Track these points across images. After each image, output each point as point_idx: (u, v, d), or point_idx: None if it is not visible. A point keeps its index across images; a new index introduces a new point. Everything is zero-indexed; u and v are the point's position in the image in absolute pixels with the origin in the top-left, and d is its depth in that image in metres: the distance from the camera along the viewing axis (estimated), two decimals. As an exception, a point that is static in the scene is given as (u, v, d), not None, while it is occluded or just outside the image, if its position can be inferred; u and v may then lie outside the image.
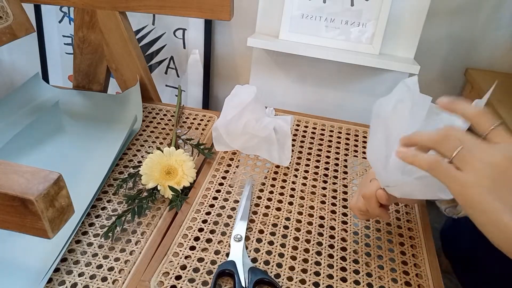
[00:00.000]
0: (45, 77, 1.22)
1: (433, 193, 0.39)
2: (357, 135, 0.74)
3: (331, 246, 0.51)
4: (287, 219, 0.55)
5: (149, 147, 0.68)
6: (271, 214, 0.56)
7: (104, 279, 0.46)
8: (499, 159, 0.31)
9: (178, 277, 0.46)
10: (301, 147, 0.70)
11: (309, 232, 0.53)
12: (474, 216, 0.33)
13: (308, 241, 0.52)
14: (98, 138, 0.69)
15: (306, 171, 0.64)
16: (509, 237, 0.31)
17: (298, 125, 0.76)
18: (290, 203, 0.58)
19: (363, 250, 0.51)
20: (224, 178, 0.62)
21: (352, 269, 0.49)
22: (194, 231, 0.52)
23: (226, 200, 0.57)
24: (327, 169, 0.65)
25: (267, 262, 0.49)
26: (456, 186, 0.32)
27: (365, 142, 0.73)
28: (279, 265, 0.48)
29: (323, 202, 0.58)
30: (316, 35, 0.91)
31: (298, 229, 0.54)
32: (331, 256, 0.50)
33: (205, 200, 0.57)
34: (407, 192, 0.43)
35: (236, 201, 0.57)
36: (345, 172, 0.65)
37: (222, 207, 0.56)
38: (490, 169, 0.31)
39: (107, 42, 0.76)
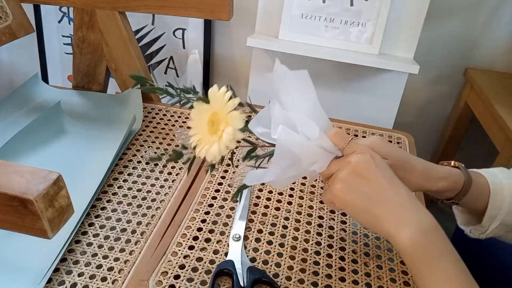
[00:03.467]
0: (45, 77, 1.22)
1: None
2: (356, 135, 0.74)
3: (330, 246, 0.52)
4: (286, 218, 0.55)
5: (148, 147, 0.68)
6: (270, 214, 0.56)
7: (103, 279, 0.46)
8: (350, 166, 0.39)
9: (176, 277, 0.46)
10: (301, 147, 0.70)
11: (308, 231, 0.53)
12: (357, 220, 0.42)
13: (307, 240, 0.52)
14: (97, 138, 0.69)
15: (305, 171, 0.64)
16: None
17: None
18: (289, 203, 0.58)
19: (361, 250, 0.51)
20: (223, 177, 0.62)
21: (350, 269, 0.49)
22: (193, 230, 0.52)
23: (225, 200, 0.58)
24: (326, 169, 0.65)
25: (265, 262, 0.49)
26: (328, 194, 0.42)
27: (364, 142, 0.73)
28: (278, 265, 0.48)
29: (322, 202, 0.58)
30: (315, 35, 0.91)
31: (297, 229, 0.54)
32: (329, 255, 0.50)
33: (204, 200, 0.57)
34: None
35: (235, 201, 0.57)
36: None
37: (221, 207, 0.56)
38: (345, 175, 0.39)
39: (107, 42, 0.76)
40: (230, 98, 0.39)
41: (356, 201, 0.39)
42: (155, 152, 0.58)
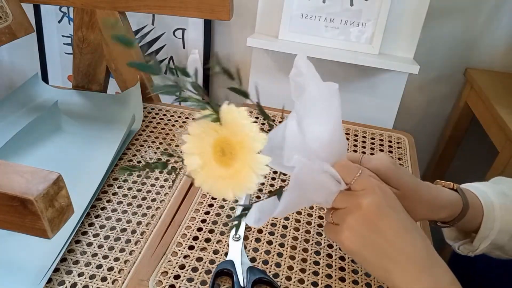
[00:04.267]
0: (45, 77, 1.22)
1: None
2: (356, 135, 0.74)
3: (330, 246, 0.52)
4: (286, 218, 0.55)
5: (148, 147, 0.68)
6: (270, 214, 0.56)
7: (103, 279, 0.46)
8: (361, 212, 0.35)
9: (176, 277, 0.46)
10: (301, 147, 0.70)
11: (308, 231, 0.53)
12: (364, 266, 0.38)
13: (307, 241, 0.52)
14: (97, 138, 0.69)
15: (305, 171, 0.64)
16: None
17: (297, 125, 0.76)
18: (289, 203, 0.58)
19: (362, 250, 0.51)
20: (223, 178, 0.62)
21: (350, 269, 0.49)
22: (193, 230, 0.52)
23: (225, 199, 0.58)
24: (326, 169, 0.65)
25: (265, 262, 0.49)
26: (332, 235, 0.38)
27: (364, 142, 0.73)
28: (278, 265, 0.49)
29: (322, 202, 0.58)
30: (315, 35, 0.91)
31: (297, 229, 0.54)
32: (329, 255, 0.50)
33: (204, 200, 0.57)
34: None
35: (235, 201, 0.57)
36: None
37: (221, 207, 0.56)
38: (355, 222, 0.36)
39: (107, 42, 0.76)
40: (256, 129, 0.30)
41: (366, 253, 0.36)
42: (137, 163, 0.58)
